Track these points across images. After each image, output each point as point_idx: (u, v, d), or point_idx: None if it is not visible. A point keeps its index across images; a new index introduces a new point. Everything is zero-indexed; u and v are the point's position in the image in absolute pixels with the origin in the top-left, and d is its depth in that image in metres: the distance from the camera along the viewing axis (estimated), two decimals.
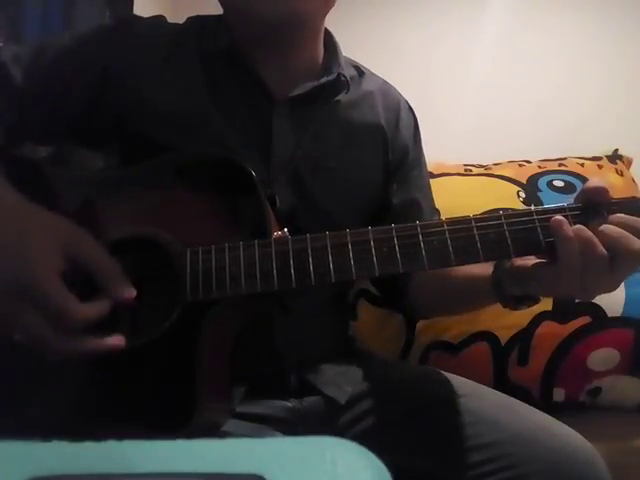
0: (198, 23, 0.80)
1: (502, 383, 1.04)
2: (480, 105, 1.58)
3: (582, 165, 1.23)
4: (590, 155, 1.27)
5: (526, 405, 0.71)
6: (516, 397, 0.72)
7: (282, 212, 0.70)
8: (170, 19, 0.81)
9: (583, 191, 0.59)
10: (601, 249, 0.55)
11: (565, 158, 1.27)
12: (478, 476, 0.65)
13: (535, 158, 1.29)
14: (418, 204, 0.85)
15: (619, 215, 0.57)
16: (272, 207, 0.66)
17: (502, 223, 0.58)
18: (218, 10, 0.78)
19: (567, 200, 0.60)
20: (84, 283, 0.57)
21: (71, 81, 0.73)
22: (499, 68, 1.60)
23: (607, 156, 1.28)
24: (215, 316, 0.61)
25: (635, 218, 0.56)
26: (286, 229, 0.62)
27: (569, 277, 0.57)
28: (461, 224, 0.59)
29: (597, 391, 1.06)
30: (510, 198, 1.14)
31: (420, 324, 1.08)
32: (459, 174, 1.23)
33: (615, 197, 0.59)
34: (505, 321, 1.03)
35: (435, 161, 1.20)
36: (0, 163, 0.64)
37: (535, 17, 1.58)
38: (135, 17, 0.83)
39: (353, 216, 0.77)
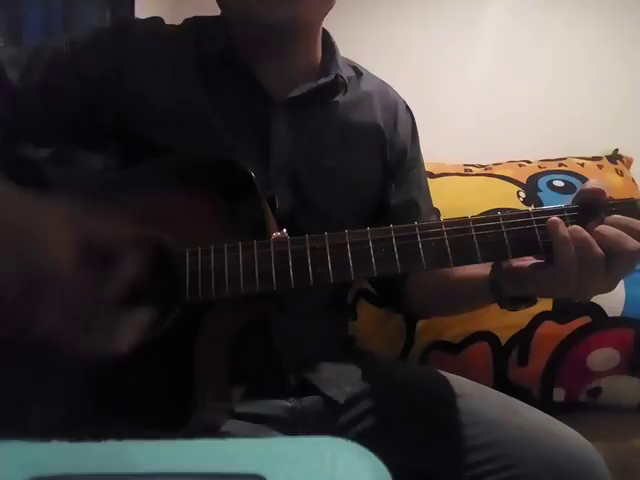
0: (196, 24, 0.80)
1: (502, 383, 1.04)
2: (480, 105, 1.58)
3: (582, 165, 1.23)
4: (590, 155, 1.28)
5: (526, 405, 0.71)
6: (516, 397, 0.72)
7: (281, 213, 0.70)
8: (170, 19, 0.81)
9: (580, 192, 0.59)
10: (597, 249, 0.55)
11: (565, 158, 1.27)
12: (478, 476, 0.65)
13: (535, 158, 1.29)
14: (416, 204, 0.85)
15: (615, 216, 0.57)
16: (271, 208, 0.66)
17: (500, 224, 0.59)
18: (219, 11, 0.78)
19: (567, 200, 0.60)
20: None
21: (69, 83, 0.73)
22: (499, 68, 1.60)
23: (607, 156, 1.28)
24: (214, 316, 0.61)
25: (631, 219, 0.56)
26: (285, 230, 0.62)
27: (566, 277, 0.57)
28: (459, 225, 0.59)
29: (597, 391, 1.07)
30: (510, 198, 1.14)
31: (420, 324, 1.08)
32: (459, 174, 1.23)
33: (614, 198, 0.59)
34: (505, 321, 1.03)
35: (435, 161, 1.20)
36: (0, 163, 0.64)
37: (534, 18, 1.58)
38: (133, 19, 0.83)
39: (352, 216, 0.77)
